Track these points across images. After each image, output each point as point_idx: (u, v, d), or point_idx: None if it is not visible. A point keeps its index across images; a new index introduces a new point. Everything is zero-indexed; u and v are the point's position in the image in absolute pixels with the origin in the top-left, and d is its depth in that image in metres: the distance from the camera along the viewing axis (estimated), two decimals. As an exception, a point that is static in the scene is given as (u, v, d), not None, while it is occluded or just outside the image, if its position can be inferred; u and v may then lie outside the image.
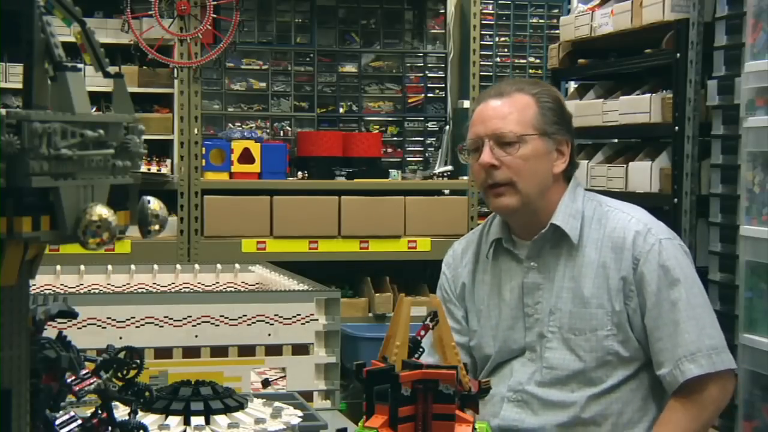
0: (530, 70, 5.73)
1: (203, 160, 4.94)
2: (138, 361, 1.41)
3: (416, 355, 1.55)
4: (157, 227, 1.07)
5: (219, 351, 2.45)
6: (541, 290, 2.31)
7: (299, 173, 5.11)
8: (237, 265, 3.15)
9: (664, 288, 2.23)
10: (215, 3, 4.92)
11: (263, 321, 2.48)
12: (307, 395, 2.43)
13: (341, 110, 5.49)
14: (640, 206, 2.41)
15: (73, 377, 1.32)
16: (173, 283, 3.03)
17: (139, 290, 2.93)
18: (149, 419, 1.71)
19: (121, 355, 1.41)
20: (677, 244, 2.30)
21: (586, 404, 2.26)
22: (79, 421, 1.32)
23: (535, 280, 2.32)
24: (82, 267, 2.99)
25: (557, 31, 4.88)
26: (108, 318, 2.40)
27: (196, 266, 3.12)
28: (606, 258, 2.28)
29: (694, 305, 2.24)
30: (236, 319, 2.46)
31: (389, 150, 5.54)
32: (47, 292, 2.77)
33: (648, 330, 2.24)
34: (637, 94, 4.08)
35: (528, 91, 2.33)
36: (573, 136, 2.37)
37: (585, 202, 2.34)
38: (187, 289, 2.95)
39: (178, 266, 3.11)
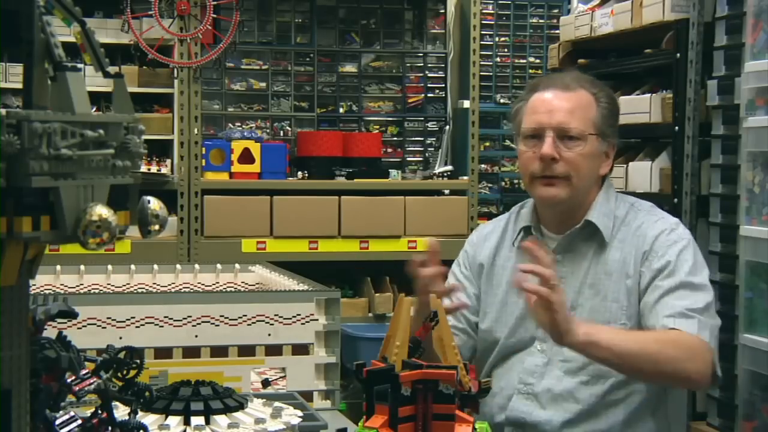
0: (530, 70, 5.72)
1: (203, 160, 4.94)
2: (138, 361, 1.41)
3: (416, 355, 1.55)
4: (157, 227, 1.07)
5: (219, 351, 2.45)
6: (563, 284, 2.31)
7: (299, 173, 5.10)
8: (237, 265, 3.14)
9: (677, 267, 2.24)
10: (215, 3, 4.92)
11: (263, 321, 2.48)
12: (307, 395, 2.43)
13: (341, 110, 5.49)
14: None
15: (73, 377, 1.31)
16: (173, 283, 3.03)
17: (139, 290, 2.93)
18: (149, 419, 1.71)
19: (121, 355, 1.41)
20: (698, 252, 2.32)
21: (596, 399, 2.27)
22: (79, 421, 1.32)
23: (559, 273, 2.31)
24: (82, 267, 2.99)
25: (557, 31, 4.87)
26: (108, 318, 2.40)
27: (196, 266, 3.12)
28: (627, 255, 2.29)
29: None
30: (236, 319, 2.46)
31: (389, 150, 5.53)
32: (47, 292, 2.77)
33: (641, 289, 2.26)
34: (637, 94, 4.08)
35: (589, 89, 2.35)
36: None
37: (618, 203, 2.37)
38: (187, 289, 2.94)
39: (178, 266, 3.11)
